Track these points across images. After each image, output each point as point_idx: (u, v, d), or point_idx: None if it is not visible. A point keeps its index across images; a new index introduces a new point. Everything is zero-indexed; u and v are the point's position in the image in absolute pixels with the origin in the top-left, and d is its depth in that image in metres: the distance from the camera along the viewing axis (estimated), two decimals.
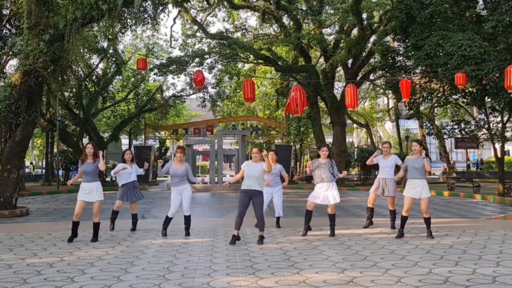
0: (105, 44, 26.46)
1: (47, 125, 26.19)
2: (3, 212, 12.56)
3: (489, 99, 17.25)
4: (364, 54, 25.81)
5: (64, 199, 18.27)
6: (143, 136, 32.44)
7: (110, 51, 27.01)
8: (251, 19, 57.36)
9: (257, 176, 7.55)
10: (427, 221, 7.88)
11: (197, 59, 24.97)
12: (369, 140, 39.47)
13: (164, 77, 30.64)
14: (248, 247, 7.14)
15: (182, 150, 8.50)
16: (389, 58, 18.52)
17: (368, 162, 9.20)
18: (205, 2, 28.18)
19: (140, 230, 9.02)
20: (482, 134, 19.62)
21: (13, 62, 23.98)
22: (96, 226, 7.87)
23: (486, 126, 18.00)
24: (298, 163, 38.16)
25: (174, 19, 29.19)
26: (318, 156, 8.29)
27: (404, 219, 7.95)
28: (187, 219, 8.49)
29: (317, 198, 8.15)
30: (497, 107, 16.79)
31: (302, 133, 34.39)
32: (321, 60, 29.69)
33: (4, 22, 19.41)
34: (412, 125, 45.20)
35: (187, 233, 8.34)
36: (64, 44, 12.60)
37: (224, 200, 17.89)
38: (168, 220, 8.43)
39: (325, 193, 8.09)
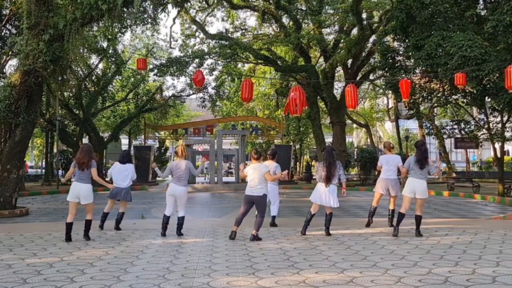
0: (104, 44, 26.45)
1: (47, 125, 26.17)
2: (3, 212, 12.55)
3: (489, 99, 17.25)
4: (364, 54, 25.80)
5: (64, 199, 18.20)
6: (142, 136, 32.44)
7: (110, 51, 27.00)
8: (251, 19, 57.44)
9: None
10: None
11: (197, 60, 24.95)
12: (368, 140, 39.47)
13: (164, 78, 30.63)
14: (248, 247, 7.14)
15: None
16: (389, 58, 18.51)
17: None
18: (204, 2, 28.18)
19: (140, 230, 9.03)
20: (482, 134, 19.62)
21: (13, 62, 24.00)
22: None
23: (486, 126, 18.00)
24: (298, 163, 38.17)
25: (174, 19, 29.15)
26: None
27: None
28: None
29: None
30: (497, 107, 16.79)
31: (301, 133, 34.40)
32: (321, 60, 29.68)
33: (4, 22, 19.41)
34: (412, 125, 45.21)
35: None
36: (64, 44, 12.60)
37: (224, 200, 17.88)
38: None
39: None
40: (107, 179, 9.09)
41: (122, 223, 9.24)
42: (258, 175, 7.77)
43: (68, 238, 7.83)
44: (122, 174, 9.00)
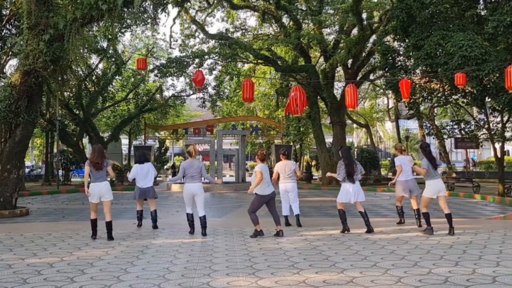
0: (104, 44, 26.45)
1: (47, 125, 26.17)
2: (3, 212, 12.55)
3: (489, 99, 17.24)
4: (364, 54, 25.80)
5: (64, 199, 18.27)
6: (143, 136, 32.43)
7: (110, 51, 27.00)
8: (251, 19, 57.44)
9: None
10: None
11: (197, 60, 24.96)
12: (369, 140, 39.45)
13: (164, 78, 30.60)
14: (248, 247, 7.14)
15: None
16: (389, 58, 18.50)
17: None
18: (204, 2, 28.17)
19: (140, 230, 9.05)
20: (482, 134, 19.61)
21: (13, 62, 24.01)
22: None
23: (486, 126, 17.99)
24: (298, 163, 38.16)
25: (174, 19, 29.18)
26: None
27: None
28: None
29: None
30: (497, 107, 16.78)
31: (302, 133, 34.39)
32: (321, 60, 29.66)
33: (4, 22, 19.40)
34: (412, 125, 45.19)
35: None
36: (64, 44, 12.59)
37: (224, 200, 17.88)
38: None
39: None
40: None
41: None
42: (268, 175, 8.21)
43: (95, 234, 8.09)
44: (144, 174, 9.38)
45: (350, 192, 8.48)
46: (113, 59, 27.41)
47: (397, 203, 9.71)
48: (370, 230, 8.37)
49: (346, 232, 8.43)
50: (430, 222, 8.29)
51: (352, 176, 8.48)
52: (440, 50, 15.33)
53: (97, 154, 8.10)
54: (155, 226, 9.30)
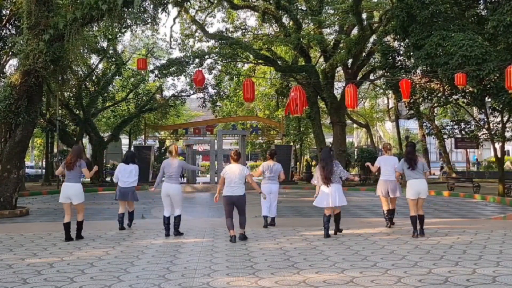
0: (104, 44, 26.45)
1: (47, 125, 26.18)
2: (3, 212, 12.55)
3: (489, 99, 17.24)
4: (364, 54, 25.79)
5: None
6: (143, 136, 32.43)
7: (110, 51, 27.00)
8: (251, 19, 57.42)
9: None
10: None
11: (197, 60, 24.96)
12: (369, 140, 39.45)
13: (164, 78, 30.62)
14: (248, 247, 7.14)
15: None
16: (389, 58, 18.50)
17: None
18: (204, 2, 28.17)
19: (140, 230, 9.04)
20: (482, 134, 19.61)
21: (13, 62, 23.99)
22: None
23: (486, 126, 17.99)
24: (298, 163, 38.17)
25: (174, 19, 29.19)
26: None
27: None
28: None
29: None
30: (497, 107, 16.78)
31: (302, 133, 34.40)
32: (321, 60, 29.66)
33: (4, 22, 19.40)
34: (412, 125, 45.18)
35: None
36: (64, 44, 12.59)
37: None
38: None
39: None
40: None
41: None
42: (238, 175, 7.80)
43: (68, 238, 7.89)
44: (126, 174, 9.19)
45: (329, 196, 8.05)
46: (113, 59, 27.40)
47: (383, 207, 9.35)
48: (339, 230, 8.39)
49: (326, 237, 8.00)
50: (416, 227, 8.01)
51: (329, 179, 8.05)
52: (440, 50, 15.32)
53: (71, 155, 8.08)
54: (128, 225, 9.24)
